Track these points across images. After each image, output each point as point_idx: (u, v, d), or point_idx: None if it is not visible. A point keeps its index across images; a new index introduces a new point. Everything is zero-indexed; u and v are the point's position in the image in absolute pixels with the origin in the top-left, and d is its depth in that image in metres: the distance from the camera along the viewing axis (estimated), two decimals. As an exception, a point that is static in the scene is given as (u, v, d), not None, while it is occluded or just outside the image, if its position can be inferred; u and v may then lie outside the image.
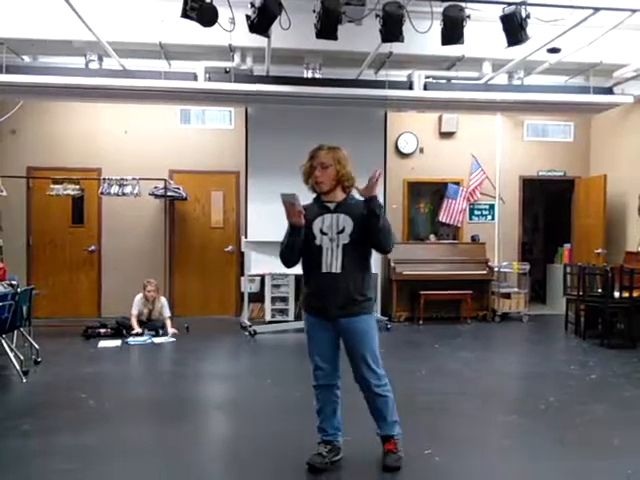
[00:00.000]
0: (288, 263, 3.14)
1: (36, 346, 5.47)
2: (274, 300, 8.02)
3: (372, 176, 2.89)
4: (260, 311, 8.13)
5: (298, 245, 3.06)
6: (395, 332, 7.41)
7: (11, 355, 4.92)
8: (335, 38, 4.58)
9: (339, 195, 3.12)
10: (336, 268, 3.02)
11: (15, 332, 5.32)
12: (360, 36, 5.64)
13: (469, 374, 5.32)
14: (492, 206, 8.91)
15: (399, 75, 6.96)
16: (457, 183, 8.77)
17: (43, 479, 3.03)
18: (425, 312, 7.90)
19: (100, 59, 6.09)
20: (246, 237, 7.42)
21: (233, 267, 8.49)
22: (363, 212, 2.97)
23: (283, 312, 8.01)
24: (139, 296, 7.02)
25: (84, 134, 8.05)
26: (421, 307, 7.87)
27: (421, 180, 8.85)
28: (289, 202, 2.91)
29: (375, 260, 7.70)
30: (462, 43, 4.74)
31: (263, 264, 7.43)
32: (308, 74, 6.44)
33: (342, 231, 3.04)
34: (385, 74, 6.81)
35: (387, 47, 5.74)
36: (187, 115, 8.38)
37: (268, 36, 4.51)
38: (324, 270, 3.04)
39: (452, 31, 4.61)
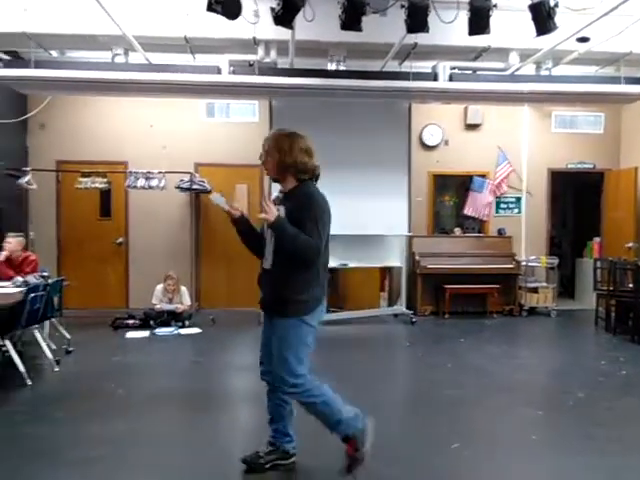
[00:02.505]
0: (253, 254, 3.06)
1: (67, 336, 5.59)
2: (298, 293, 8.03)
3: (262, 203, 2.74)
4: (285, 304, 8.16)
5: (244, 235, 3.02)
6: (420, 326, 7.38)
7: (43, 345, 5.04)
8: (360, 29, 4.56)
9: (289, 184, 2.93)
10: (267, 263, 2.91)
11: (47, 322, 5.43)
12: (384, 27, 5.60)
13: (496, 368, 5.27)
14: (519, 199, 8.78)
15: (424, 66, 6.88)
16: (483, 176, 8.66)
17: (74, 465, 3.10)
18: (450, 306, 7.84)
19: (126, 53, 6.14)
20: (270, 230, 7.43)
21: (258, 260, 8.52)
22: (294, 217, 2.77)
23: (307, 305, 8.02)
24: (160, 286, 7.15)
25: (111, 128, 8.15)
26: (446, 301, 7.81)
27: (446, 173, 8.76)
28: (217, 204, 2.94)
29: (399, 253, 7.80)
30: (488, 33, 4.67)
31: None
32: (332, 66, 6.41)
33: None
34: (410, 65, 6.74)
35: (412, 38, 5.66)
36: (212, 108, 8.43)
37: (292, 28, 4.50)
38: (263, 265, 2.96)
39: (478, 21, 4.55)
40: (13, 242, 5.70)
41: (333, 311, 8.18)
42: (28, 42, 5.94)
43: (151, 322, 6.90)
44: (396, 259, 7.83)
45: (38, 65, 6.01)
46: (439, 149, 8.66)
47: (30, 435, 3.52)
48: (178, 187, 7.79)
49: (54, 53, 6.71)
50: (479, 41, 5.59)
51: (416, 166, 8.09)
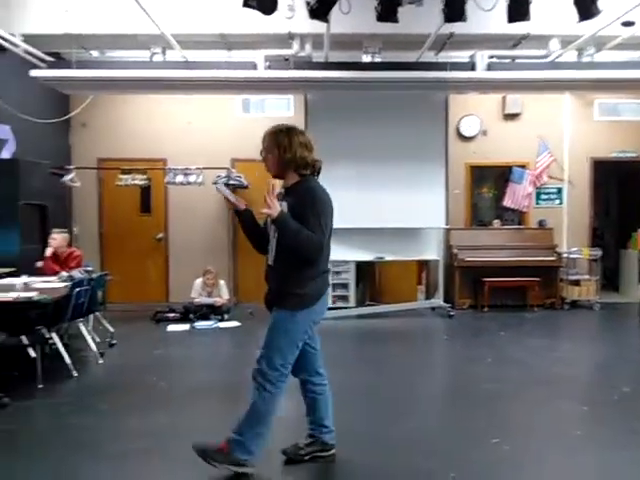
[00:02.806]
0: (256, 249, 3.02)
1: (110, 329, 5.74)
2: (335, 286, 8.04)
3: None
4: (321, 297, 8.17)
5: (248, 230, 2.96)
6: (458, 319, 7.30)
7: (88, 338, 5.19)
8: (396, 20, 4.51)
9: (290, 180, 2.89)
10: (271, 260, 2.89)
11: (91, 316, 5.59)
12: (420, 17, 5.54)
13: (537, 362, 5.17)
14: (560, 190, 8.56)
15: (461, 56, 6.78)
16: (522, 166, 8.47)
17: (117, 457, 3.17)
18: (489, 299, 7.73)
19: (164, 52, 6.23)
20: (307, 224, 7.45)
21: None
22: (297, 212, 2.74)
23: (344, 298, 8.03)
24: (199, 280, 7.27)
25: (150, 125, 8.30)
26: (485, 294, 7.70)
27: (484, 164, 8.61)
28: (220, 192, 2.91)
29: (437, 246, 7.72)
30: (528, 20, 4.55)
31: (324, 251, 7.47)
32: (367, 58, 6.36)
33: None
34: (446, 55, 6.65)
35: (448, 27, 5.58)
36: (247, 104, 8.48)
37: (327, 21, 4.48)
38: (268, 262, 2.92)
39: (518, 7, 4.44)
40: (58, 238, 5.87)
41: (369, 305, 8.19)
42: (70, 43, 6.10)
43: (191, 315, 7.02)
44: (433, 252, 7.75)
45: (80, 65, 6.17)
46: (477, 140, 8.51)
47: (75, 426, 3.62)
48: (215, 183, 7.88)
49: (94, 53, 6.87)
50: (518, 28, 5.47)
51: (453, 158, 7.97)
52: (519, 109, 8.39)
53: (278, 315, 2.84)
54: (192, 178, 7.46)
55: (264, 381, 2.80)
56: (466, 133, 8.47)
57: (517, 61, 6.66)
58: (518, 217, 8.73)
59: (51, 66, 6.38)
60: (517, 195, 8.46)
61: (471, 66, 6.61)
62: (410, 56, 6.67)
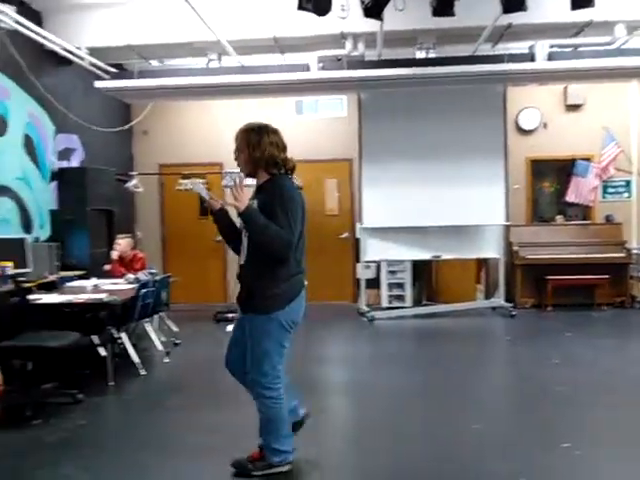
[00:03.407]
0: (232, 250, 2.97)
1: (174, 329, 5.92)
2: (390, 286, 7.99)
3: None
4: (376, 297, 8.14)
5: (223, 230, 2.93)
6: (520, 319, 7.09)
7: (154, 337, 5.37)
8: (452, 14, 4.44)
9: (262, 178, 2.84)
10: (242, 259, 2.84)
11: (156, 317, 5.77)
12: (476, 9, 5.43)
13: (607, 364, 4.96)
14: (628, 183, 8.17)
15: (519, 47, 6.59)
16: (587, 159, 8.14)
17: (187, 453, 3.25)
18: (553, 298, 7.46)
19: (219, 58, 6.37)
20: (361, 223, 7.45)
21: (348, 254, 8.57)
22: (266, 209, 2.68)
23: (400, 298, 7.97)
24: None
25: (206, 130, 8.49)
26: (548, 293, 7.45)
27: (545, 157, 8.33)
28: (197, 192, 2.86)
29: (496, 243, 7.52)
30: (593, 6, 4.37)
31: (379, 250, 7.45)
32: (421, 54, 6.29)
33: None
34: (504, 47, 6.48)
35: (506, 18, 5.44)
36: (301, 105, 8.56)
37: (382, 19, 4.45)
38: (239, 261, 2.88)
39: (582, -7, 4.27)
40: (122, 243, 6.10)
41: (426, 304, 8.08)
42: (131, 54, 6.34)
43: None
44: (493, 250, 7.56)
45: (140, 75, 6.39)
46: (537, 133, 8.26)
47: (144, 422, 3.76)
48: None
49: (154, 62, 7.10)
50: (581, 15, 5.25)
51: (513, 152, 7.75)
52: (582, 100, 8.08)
53: (254, 320, 2.77)
54: (248, 181, 7.55)
55: (262, 389, 2.79)
56: (526, 126, 8.22)
57: (580, 49, 6.41)
58: (582, 212, 8.40)
59: (114, 77, 6.65)
60: (581, 189, 8.13)
61: (530, 57, 6.40)
62: (465, 49, 6.55)
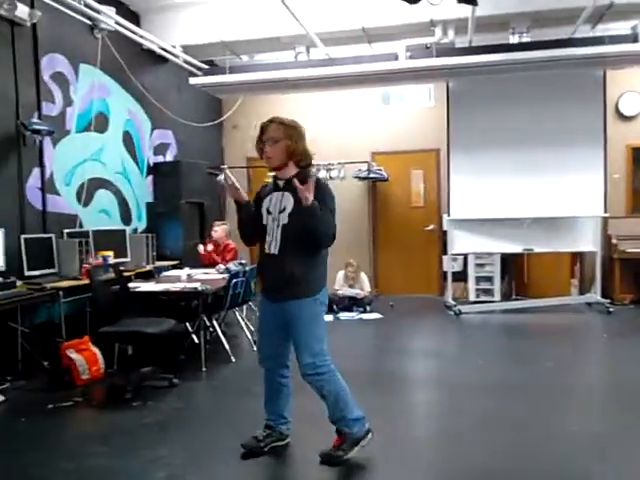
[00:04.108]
0: (244, 240, 3.07)
1: (261, 318, 6.06)
2: (478, 280, 7.78)
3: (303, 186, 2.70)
4: (463, 290, 7.95)
5: (247, 222, 2.97)
6: (618, 316, 6.68)
7: (244, 326, 5.54)
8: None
9: (291, 171, 2.91)
10: (275, 249, 2.87)
11: (244, 306, 5.95)
12: (576, -11, 5.13)
13: None
14: None
15: (621, 28, 6.16)
16: (695, 145, 7.51)
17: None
18: (657, 294, 6.99)
19: (307, 50, 6.43)
20: (449, 215, 7.28)
21: (434, 246, 8.43)
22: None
23: (488, 292, 7.75)
24: (341, 273, 7.40)
25: (292, 123, 8.60)
26: (651, 289, 6.98)
27: (649, 145, 7.77)
28: (222, 181, 2.80)
29: (593, 236, 7.09)
30: None
31: (466, 242, 7.26)
32: (514, 39, 6.03)
33: (283, 210, 2.87)
34: (604, 28, 6.08)
35: (608, -3, 5.11)
36: (387, 96, 8.47)
37: (477, 4, 4.29)
38: (266, 251, 2.91)
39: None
40: (219, 230, 6.31)
41: (516, 299, 7.79)
42: (222, 50, 6.53)
43: (334, 307, 7.19)
44: (589, 243, 7.15)
45: (231, 70, 6.57)
46: (639, 119, 7.71)
47: (236, 407, 3.87)
48: (356, 177, 7.99)
49: (244, 58, 7.28)
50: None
51: (612, 139, 7.26)
52: (692, 81, 7.45)
53: (302, 304, 2.87)
54: (334, 173, 7.63)
55: (316, 369, 2.86)
56: (627, 112, 7.70)
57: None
58: (691, 203, 7.77)
59: (206, 73, 6.88)
60: (689, 178, 7.52)
61: (633, 38, 5.97)
62: (562, 32, 6.21)
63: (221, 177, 2.94)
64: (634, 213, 7.85)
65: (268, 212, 2.92)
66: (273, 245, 2.89)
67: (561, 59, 5.93)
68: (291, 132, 2.90)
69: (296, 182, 2.74)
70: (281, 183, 2.94)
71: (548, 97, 6.84)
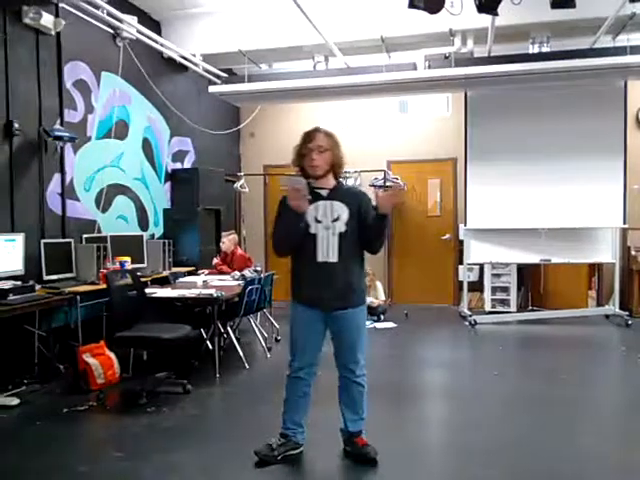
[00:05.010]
0: (283, 251, 3.00)
1: (276, 325, 6.08)
2: (494, 290, 7.72)
3: (392, 193, 2.91)
4: (479, 301, 7.89)
5: (299, 233, 2.89)
6: (637, 328, 6.58)
7: (257, 333, 5.55)
8: (573, 6, 4.18)
9: (331, 181, 2.99)
10: (333, 257, 2.90)
11: (258, 313, 5.96)
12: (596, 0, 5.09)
13: None
14: None
15: (643, 38, 6.10)
16: None
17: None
18: (675, 308, 6.87)
19: (326, 60, 6.46)
20: (465, 225, 7.24)
21: (450, 255, 8.38)
22: (364, 210, 2.92)
23: (504, 302, 7.68)
24: None
25: (309, 131, 8.63)
26: (671, 302, 6.86)
27: (670, 156, 7.65)
28: (294, 186, 2.73)
29: (612, 247, 7.00)
30: None
31: (482, 252, 7.21)
32: (534, 49, 5.99)
33: (337, 219, 2.91)
34: (626, 39, 6.02)
35: (629, 8, 5.06)
36: (404, 104, 8.47)
37: (497, 14, 4.28)
38: (320, 259, 2.91)
39: None
40: (226, 241, 6.34)
41: (533, 310, 7.71)
42: (241, 59, 6.58)
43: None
44: (608, 254, 7.07)
45: (250, 79, 6.62)
46: (660, 130, 7.62)
47: (249, 414, 3.87)
48: (372, 185, 7.98)
49: (263, 66, 7.32)
50: None
51: (633, 150, 7.17)
52: None
53: (358, 312, 2.99)
54: (350, 181, 7.64)
55: (363, 369, 3.06)
56: (648, 122, 7.61)
57: None
58: None
59: (225, 82, 6.94)
60: None
61: (656, 48, 5.91)
62: (582, 42, 6.17)
63: (292, 183, 2.84)
64: (654, 225, 7.74)
65: (317, 221, 2.91)
66: (330, 253, 2.91)
67: (581, 69, 5.87)
68: (335, 143, 2.97)
69: (379, 192, 2.92)
70: (324, 192, 2.96)
71: (567, 107, 6.79)
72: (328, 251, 2.90)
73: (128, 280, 4.63)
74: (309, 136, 2.95)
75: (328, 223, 2.91)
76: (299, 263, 3.02)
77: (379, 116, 8.47)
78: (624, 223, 6.93)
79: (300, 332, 3.05)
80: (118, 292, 4.41)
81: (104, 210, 5.79)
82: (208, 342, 5.24)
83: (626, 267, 7.27)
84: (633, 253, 7.18)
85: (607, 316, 7.11)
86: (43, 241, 4.77)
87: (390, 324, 6.96)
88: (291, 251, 3.01)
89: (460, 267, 7.72)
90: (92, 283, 4.85)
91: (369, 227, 2.91)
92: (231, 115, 8.61)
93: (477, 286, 7.83)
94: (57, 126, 5.03)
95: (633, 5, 4.80)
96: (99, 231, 5.66)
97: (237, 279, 5.53)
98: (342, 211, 2.92)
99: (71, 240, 5.07)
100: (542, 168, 6.85)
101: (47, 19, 4.82)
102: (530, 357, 5.60)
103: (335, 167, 2.97)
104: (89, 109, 5.56)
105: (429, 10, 4.01)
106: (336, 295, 2.92)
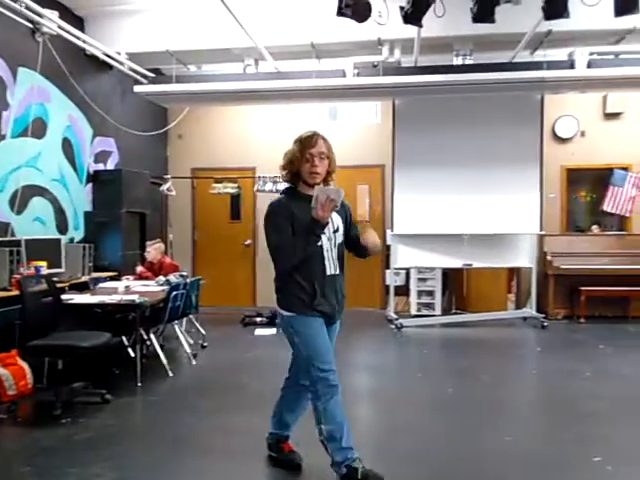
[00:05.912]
0: (293, 263, 2.70)
1: (202, 332, 5.96)
2: (420, 294, 7.92)
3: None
4: (405, 304, 8.07)
5: (315, 243, 2.68)
6: (552, 330, 6.94)
7: (182, 339, 5.41)
8: (493, 21, 4.36)
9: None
10: (335, 269, 2.82)
11: (184, 319, 5.82)
12: (516, 16, 5.34)
13: (642, 379, 4.80)
14: (668, 193, 7.93)
15: (558, 54, 6.47)
16: (625, 168, 7.92)
17: (215, 454, 3.27)
18: (586, 310, 7.29)
19: (256, 63, 6.43)
20: (392, 230, 7.40)
21: (378, 260, 8.50)
22: (350, 221, 2.94)
23: (429, 306, 7.90)
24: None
25: (240, 135, 8.57)
26: (582, 304, 7.27)
27: (582, 166, 8.15)
28: (331, 197, 2.54)
29: (529, 253, 7.36)
30: (637, 12, 4.25)
31: (409, 257, 7.39)
32: (458, 61, 6.23)
33: (337, 230, 2.81)
34: (543, 54, 6.36)
35: (546, 25, 5.35)
36: (334, 111, 8.56)
37: (421, 26, 4.41)
38: (328, 272, 2.77)
39: (627, 0, 4.15)
40: (152, 251, 6.14)
41: (456, 313, 7.97)
42: (169, 59, 6.43)
43: (277, 320, 7.12)
44: (525, 259, 7.43)
45: (178, 80, 6.48)
46: (574, 141, 8.11)
47: (172, 423, 3.76)
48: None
49: (192, 68, 7.19)
50: (623, 23, 5.12)
51: (548, 160, 7.59)
52: (621, 108, 7.90)
53: (338, 324, 2.95)
54: (281, 186, 7.60)
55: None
56: (562, 134, 8.08)
57: (621, 57, 6.26)
58: (619, 223, 8.19)
59: (152, 82, 6.76)
60: (619, 199, 7.91)
61: (570, 64, 6.28)
62: (503, 56, 6.47)
63: (329, 193, 2.52)
64: (568, 231, 8.21)
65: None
66: (332, 266, 2.80)
67: (502, 82, 6.16)
68: (331, 148, 2.83)
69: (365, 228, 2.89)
70: None
71: (489, 118, 7.10)
72: (332, 263, 2.80)
73: (43, 286, 4.39)
74: (310, 141, 2.76)
75: (330, 234, 2.77)
76: (306, 275, 2.75)
77: (309, 122, 8.48)
78: (541, 230, 7.31)
79: (319, 337, 2.79)
80: (32, 298, 4.17)
81: (19, 212, 5.47)
82: (130, 349, 5.05)
83: (542, 271, 7.65)
84: (549, 258, 7.56)
85: (525, 318, 7.45)
86: (-52, 244, 4.45)
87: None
88: (295, 264, 2.74)
89: (387, 271, 7.87)
90: (4, 289, 4.57)
91: (362, 247, 2.89)
92: (158, 116, 8.39)
93: (403, 290, 8.01)
94: (-34, 122, 4.71)
95: (549, 22, 5.06)
96: (13, 234, 5.34)
97: (161, 284, 5.38)
98: (339, 221, 2.83)
99: (-20, 243, 4.75)
100: (465, 176, 7.10)
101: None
102: (452, 359, 5.77)
103: (330, 174, 2.83)
104: (4, 106, 5.25)
105: (356, 18, 4.08)
106: (339, 307, 2.87)
